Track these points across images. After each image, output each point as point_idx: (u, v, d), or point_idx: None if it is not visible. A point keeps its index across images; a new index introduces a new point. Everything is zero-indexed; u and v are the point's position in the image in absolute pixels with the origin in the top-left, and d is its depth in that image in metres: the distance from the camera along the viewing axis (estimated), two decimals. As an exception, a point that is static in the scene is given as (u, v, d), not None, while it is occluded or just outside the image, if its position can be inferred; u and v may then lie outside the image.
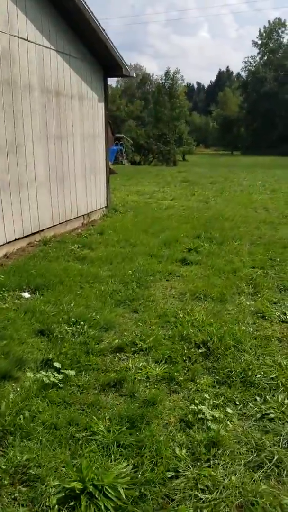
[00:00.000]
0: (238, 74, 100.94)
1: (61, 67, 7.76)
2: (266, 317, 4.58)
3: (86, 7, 7.55)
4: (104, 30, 8.42)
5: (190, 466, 2.46)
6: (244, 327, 4.28)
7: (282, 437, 2.71)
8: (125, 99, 75.59)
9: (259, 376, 3.39)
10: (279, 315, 4.62)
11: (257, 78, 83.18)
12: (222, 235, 8.07)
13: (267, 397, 3.13)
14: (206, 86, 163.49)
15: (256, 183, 17.33)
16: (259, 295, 5.21)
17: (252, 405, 3.06)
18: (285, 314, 4.64)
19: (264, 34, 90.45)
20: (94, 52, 8.85)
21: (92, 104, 9.05)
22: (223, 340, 3.89)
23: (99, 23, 8.17)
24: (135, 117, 48.57)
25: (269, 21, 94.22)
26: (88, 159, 8.97)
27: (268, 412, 2.97)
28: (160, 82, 49.35)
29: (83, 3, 7.48)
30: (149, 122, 47.93)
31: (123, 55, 9.18)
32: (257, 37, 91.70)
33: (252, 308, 4.80)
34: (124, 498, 2.20)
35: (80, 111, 8.49)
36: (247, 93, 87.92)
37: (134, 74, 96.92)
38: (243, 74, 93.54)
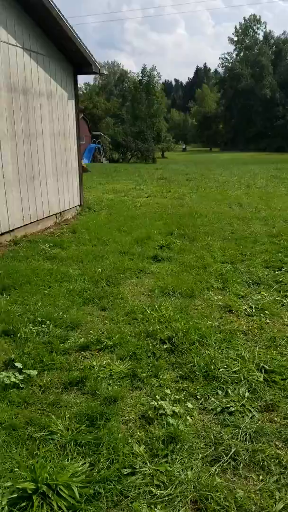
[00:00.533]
0: (216, 70, 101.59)
1: (28, 65, 7.66)
2: (233, 311, 4.62)
3: (52, 4, 7.47)
4: (72, 28, 8.34)
5: (148, 462, 2.46)
6: (210, 322, 4.30)
7: (240, 430, 2.73)
8: (103, 96, 75.33)
9: (222, 369, 3.42)
10: (245, 309, 4.66)
11: (233, 75, 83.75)
12: (194, 231, 8.11)
13: (228, 390, 3.15)
14: (184, 83, 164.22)
15: (232, 179, 17.46)
16: (227, 290, 5.24)
17: (213, 399, 3.07)
18: (251, 307, 4.68)
19: (240, 31, 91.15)
20: (63, 50, 8.77)
21: (62, 102, 8.96)
22: (187, 335, 3.90)
23: (67, 20, 8.09)
24: (113, 115, 48.43)
25: (244, 18, 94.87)
26: (59, 158, 8.89)
27: (228, 405, 2.99)
28: (137, 79, 49.22)
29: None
30: (127, 119, 47.91)
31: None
32: (233, 34, 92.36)
33: (220, 303, 4.83)
34: (78, 497, 2.19)
35: (50, 109, 8.40)
36: (224, 90, 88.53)
37: (112, 71, 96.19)
38: (221, 70, 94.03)
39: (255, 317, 4.48)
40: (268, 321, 4.40)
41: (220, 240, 7.57)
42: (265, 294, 5.08)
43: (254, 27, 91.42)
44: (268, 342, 3.94)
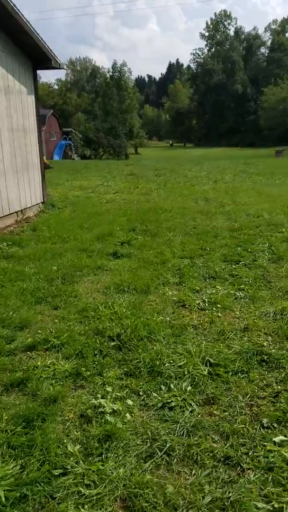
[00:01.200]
0: (189, 66, 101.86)
1: (-18, 59, 7.48)
2: (186, 306, 4.63)
3: (5, -3, 7.30)
4: (28, 22, 8.18)
5: (81, 462, 2.43)
6: (162, 317, 4.30)
7: (178, 425, 2.73)
8: (75, 92, 74.58)
9: (167, 365, 3.41)
10: (199, 303, 4.67)
11: (205, 70, 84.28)
12: (157, 227, 8.11)
13: (171, 385, 3.15)
14: (157, 78, 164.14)
15: (201, 174, 17.56)
16: (183, 285, 5.25)
17: (155, 395, 3.06)
18: (204, 301, 4.70)
19: (211, 26, 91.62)
20: (20, 44, 8.60)
21: (20, 97, 8.79)
22: (136, 332, 3.88)
23: (23, 15, 7.93)
24: (85, 111, 48.03)
25: (215, 13, 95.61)
26: (19, 154, 8.73)
27: (169, 400, 2.98)
28: (108, 74, 48.92)
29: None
30: (99, 115, 47.61)
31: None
32: (204, 29, 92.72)
33: (174, 298, 4.83)
34: (4, 500, 2.14)
35: (7, 105, 8.22)
36: (196, 85, 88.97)
37: (84, 67, 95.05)
38: (193, 66, 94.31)
39: (207, 311, 4.49)
40: (219, 314, 4.43)
41: (182, 235, 7.59)
42: (220, 288, 5.11)
43: (225, 23, 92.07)
44: (217, 335, 3.95)
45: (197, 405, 2.96)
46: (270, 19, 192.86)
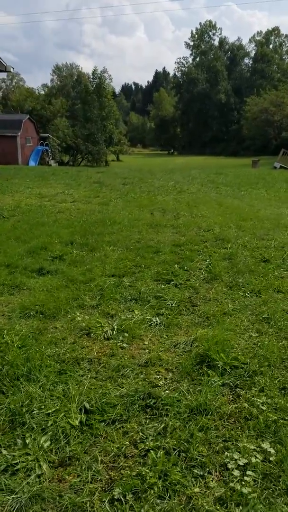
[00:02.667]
0: (175, 74, 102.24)
1: None
2: (92, 334, 4.16)
3: None
4: None
5: None
6: (57, 349, 3.83)
7: (13, 496, 2.25)
8: (59, 98, 74.06)
9: (35, 412, 2.93)
10: (107, 331, 4.21)
11: (190, 79, 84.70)
12: (98, 240, 7.66)
13: (28, 440, 2.67)
14: (144, 86, 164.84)
15: (169, 183, 17.19)
16: (99, 308, 4.80)
17: (5, 453, 2.58)
18: (113, 329, 4.23)
19: (196, 36, 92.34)
20: None
21: None
22: (14, 369, 3.40)
23: None
24: (65, 117, 47.50)
25: (200, 23, 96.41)
26: None
27: (17, 461, 2.51)
28: (89, 81, 48.59)
29: None
30: (78, 121, 47.10)
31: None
32: (189, 39, 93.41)
33: (83, 324, 4.36)
34: None
35: None
36: (181, 94, 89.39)
37: (70, 73, 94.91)
38: (178, 74, 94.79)
39: (112, 341, 4.03)
40: (125, 345, 3.97)
41: (122, 249, 7.14)
42: (137, 312, 4.67)
43: (210, 33, 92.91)
44: (111, 372, 3.49)
45: (49, 467, 2.49)
46: (255, 30, 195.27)
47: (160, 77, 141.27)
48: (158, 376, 3.44)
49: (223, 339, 3.91)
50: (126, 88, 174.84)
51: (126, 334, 4.13)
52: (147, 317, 4.55)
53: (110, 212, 10.55)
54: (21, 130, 36.19)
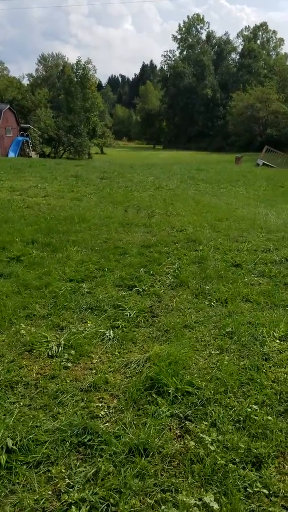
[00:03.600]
0: (162, 68, 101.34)
1: None
2: (34, 351, 3.74)
3: None
4: None
5: None
6: (-9, 369, 3.39)
7: None
8: (45, 88, 72.70)
9: None
10: (52, 347, 3.78)
11: (176, 73, 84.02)
12: (63, 239, 7.21)
13: None
14: (131, 79, 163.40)
15: (148, 179, 16.75)
16: (49, 318, 4.37)
17: None
18: (60, 345, 3.81)
19: (183, 29, 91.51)
20: None
21: None
22: None
23: None
24: (46, 107, 46.45)
25: (188, 16, 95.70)
26: None
27: None
28: (71, 72, 47.58)
29: None
30: (60, 113, 46.10)
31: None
32: (176, 32, 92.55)
33: (27, 338, 3.93)
34: None
35: None
36: (167, 88, 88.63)
37: (55, 63, 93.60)
38: (164, 68, 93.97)
39: (55, 359, 3.61)
40: (69, 364, 3.55)
41: (87, 250, 6.71)
42: (90, 324, 4.26)
43: (198, 26, 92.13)
44: (48, 399, 3.08)
45: None
46: (243, 25, 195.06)
47: (147, 70, 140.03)
48: (100, 404, 3.04)
49: (179, 358, 3.54)
50: (112, 80, 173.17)
51: (72, 352, 3.71)
52: (101, 330, 4.14)
53: (81, 209, 10.08)
54: (1, 120, 35.20)
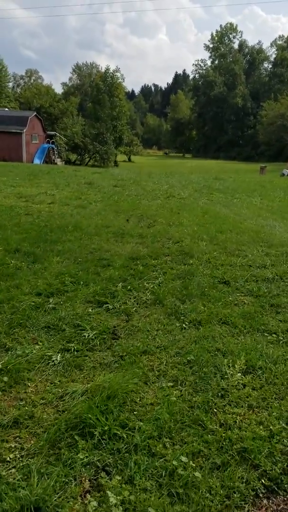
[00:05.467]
0: (194, 77, 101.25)
1: None
2: None
3: None
4: None
5: None
6: None
7: None
8: (78, 96, 73.89)
9: None
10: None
11: (207, 82, 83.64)
12: (47, 249, 6.88)
13: None
14: (163, 88, 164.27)
15: (162, 187, 16.34)
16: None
17: None
18: (-3, 369, 3.44)
19: (216, 38, 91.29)
20: None
21: None
22: None
23: None
24: (80, 115, 46.83)
25: (221, 25, 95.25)
26: None
27: None
28: (99, 80, 47.90)
29: None
30: (87, 121, 46.37)
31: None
32: (209, 41, 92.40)
33: None
34: None
35: None
36: (197, 97, 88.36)
37: (89, 72, 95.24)
38: (196, 77, 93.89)
39: (-16, 388, 3.24)
40: (-1, 393, 3.17)
41: (69, 261, 6.35)
42: (41, 346, 3.87)
43: (230, 35, 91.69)
44: None
45: None
46: (278, 34, 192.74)
47: (180, 79, 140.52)
48: (13, 445, 2.64)
49: (122, 391, 3.10)
50: (145, 89, 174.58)
51: (5, 379, 3.32)
52: (48, 353, 3.75)
53: (81, 217, 9.77)
54: (27, 127, 35.64)
